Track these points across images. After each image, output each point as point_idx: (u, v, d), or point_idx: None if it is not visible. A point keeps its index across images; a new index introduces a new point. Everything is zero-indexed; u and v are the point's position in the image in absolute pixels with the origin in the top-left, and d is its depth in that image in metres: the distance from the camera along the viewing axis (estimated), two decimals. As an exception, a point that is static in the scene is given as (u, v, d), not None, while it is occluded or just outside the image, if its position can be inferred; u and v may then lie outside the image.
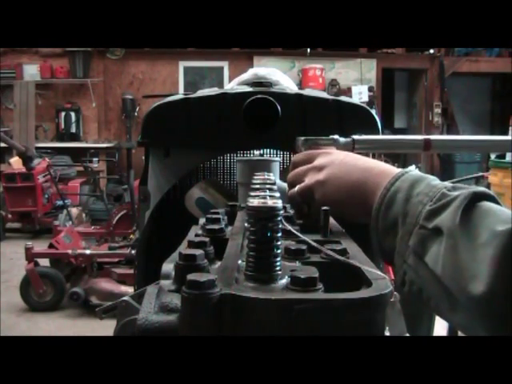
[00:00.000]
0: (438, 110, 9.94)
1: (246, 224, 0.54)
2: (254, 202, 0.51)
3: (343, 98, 1.21)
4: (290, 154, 1.27)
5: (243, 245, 0.60)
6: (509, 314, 0.51)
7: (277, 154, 1.24)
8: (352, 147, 0.89)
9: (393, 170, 0.72)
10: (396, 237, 0.65)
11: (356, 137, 0.90)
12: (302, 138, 0.87)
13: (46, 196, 6.85)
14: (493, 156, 5.18)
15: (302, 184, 0.79)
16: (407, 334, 0.67)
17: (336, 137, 0.89)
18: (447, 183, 0.65)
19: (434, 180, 0.67)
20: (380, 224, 0.68)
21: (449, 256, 0.57)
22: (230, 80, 1.58)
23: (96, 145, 8.73)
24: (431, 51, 9.68)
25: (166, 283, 0.53)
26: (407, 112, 10.95)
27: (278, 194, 0.57)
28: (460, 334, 0.63)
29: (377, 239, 0.70)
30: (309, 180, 0.78)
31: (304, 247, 0.57)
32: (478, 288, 0.52)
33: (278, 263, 0.51)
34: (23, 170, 5.85)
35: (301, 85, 8.74)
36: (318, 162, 0.79)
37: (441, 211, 0.61)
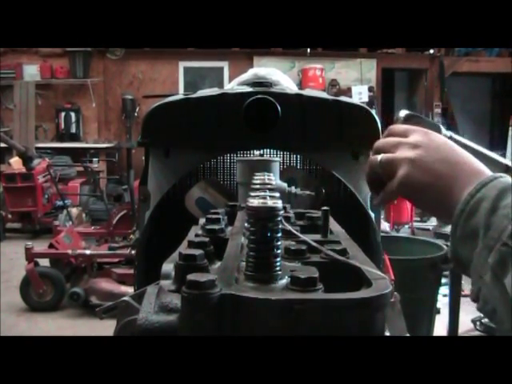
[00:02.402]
0: (437, 110, 9.92)
1: (245, 224, 0.54)
2: (254, 202, 0.51)
3: (343, 98, 1.21)
4: (289, 154, 1.27)
5: (243, 245, 0.60)
6: None
7: (277, 154, 1.24)
8: None
9: (484, 171, 0.67)
10: (473, 248, 0.60)
11: (456, 136, 0.89)
12: (407, 112, 0.85)
13: (46, 196, 6.85)
14: (493, 156, 5.17)
15: (389, 155, 0.73)
16: (407, 334, 0.67)
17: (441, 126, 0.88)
18: None
19: None
20: (458, 231, 0.63)
21: None
22: (230, 80, 1.58)
23: (96, 145, 8.73)
24: (431, 51, 9.66)
25: (166, 283, 0.53)
26: (407, 112, 10.94)
27: (277, 194, 0.57)
28: (460, 334, 0.62)
29: (452, 245, 0.65)
30: (398, 153, 0.72)
31: (304, 247, 0.57)
32: None
33: (278, 263, 0.51)
34: (23, 170, 5.84)
35: (301, 85, 8.73)
36: (414, 138, 0.73)
37: None
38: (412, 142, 0.72)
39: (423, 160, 0.69)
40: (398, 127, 0.77)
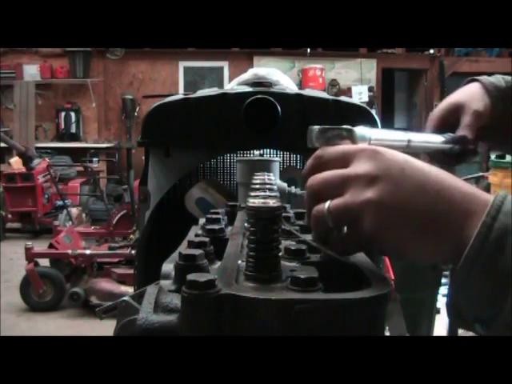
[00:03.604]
0: (438, 110, 9.93)
1: (245, 224, 0.54)
2: (254, 202, 0.51)
3: (343, 98, 1.21)
4: (289, 154, 1.28)
5: (243, 245, 0.60)
6: None
7: (277, 154, 1.24)
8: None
9: (477, 191, 0.51)
10: (500, 300, 0.46)
11: (374, 135, 0.65)
12: (318, 128, 0.59)
13: (46, 196, 6.85)
14: (493, 156, 5.18)
15: (340, 201, 0.52)
16: (407, 334, 0.67)
17: (361, 131, 0.61)
18: None
19: None
20: (475, 277, 0.47)
21: None
22: (230, 80, 1.58)
23: (96, 145, 8.74)
24: (431, 51, 9.68)
25: (166, 283, 0.53)
26: (407, 112, 10.95)
27: (277, 194, 0.57)
28: (460, 333, 0.60)
29: (462, 297, 0.50)
30: (352, 197, 0.51)
31: (304, 247, 0.57)
32: None
33: (278, 263, 0.51)
34: (23, 170, 5.85)
35: (301, 85, 8.73)
36: (363, 167, 0.52)
37: None
38: (363, 173, 0.51)
39: (392, 199, 0.50)
40: (329, 152, 0.56)
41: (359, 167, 0.52)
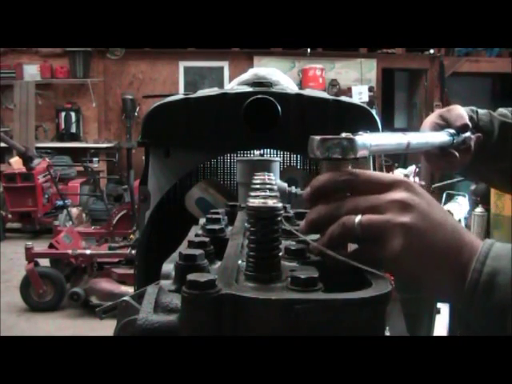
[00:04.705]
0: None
1: (246, 224, 0.54)
2: (255, 202, 0.51)
3: (343, 98, 1.21)
4: (289, 154, 1.28)
5: (243, 245, 0.60)
6: None
7: (277, 154, 1.24)
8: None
9: (472, 236, 0.58)
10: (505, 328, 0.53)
11: (374, 141, 0.66)
12: (318, 138, 0.60)
13: (46, 196, 6.85)
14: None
15: (375, 217, 0.55)
16: (407, 334, 0.66)
17: (361, 140, 0.62)
18: None
19: None
20: (476, 314, 0.55)
21: None
22: (230, 80, 1.58)
23: (96, 145, 8.73)
24: (431, 51, 9.68)
25: (166, 283, 0.53)
26: (407, 112, 10.95)
27: (277, 194, 0.57)
28: (460, 334, 0.60)
29: (471, 321, 0.56)
30: (390, 217, 0.55)
31: (304, 247, 0.57)
32: None
33: (278, 263, 0.51)
34: (23, 170, 5.85)
35: (301, 85, 8.73)
36: (401, 195, 0.56)
37: None
38: (402, 199, 0.56)
39: (421, 227, 0.55)
40: (366, 177, 0.59)
41: (397, 194, 0.57)
